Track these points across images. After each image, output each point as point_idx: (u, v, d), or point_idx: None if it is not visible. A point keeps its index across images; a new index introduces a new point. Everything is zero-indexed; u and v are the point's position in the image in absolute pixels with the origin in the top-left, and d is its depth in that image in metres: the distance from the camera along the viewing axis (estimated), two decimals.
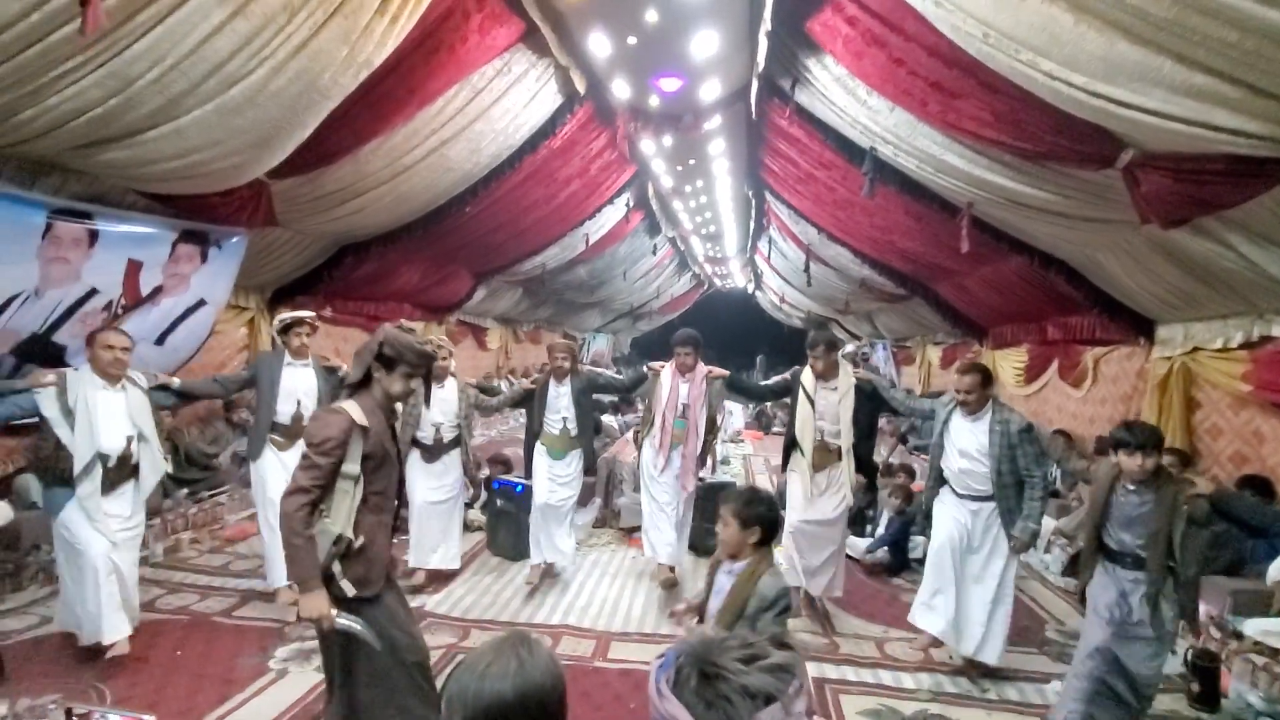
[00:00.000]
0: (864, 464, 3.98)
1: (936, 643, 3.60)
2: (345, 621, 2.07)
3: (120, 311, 4.55)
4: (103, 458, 3.20)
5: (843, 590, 4.11)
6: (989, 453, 3.30)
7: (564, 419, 4.47)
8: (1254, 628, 3.43)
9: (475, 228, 7.32)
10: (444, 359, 4.27)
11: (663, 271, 15.64)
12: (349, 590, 2.14)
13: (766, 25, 4.25)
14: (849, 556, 5.18)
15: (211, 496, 5.52)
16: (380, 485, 2.26)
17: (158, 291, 4.71)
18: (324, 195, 5.14)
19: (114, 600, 3.14)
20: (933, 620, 3.47)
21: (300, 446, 3.81)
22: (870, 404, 3.95)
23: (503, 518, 5.06)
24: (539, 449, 4.54)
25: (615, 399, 10.35)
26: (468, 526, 5.60)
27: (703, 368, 4.32)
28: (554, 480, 4.47)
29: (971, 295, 7.67)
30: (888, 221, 6.45)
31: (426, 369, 2.46)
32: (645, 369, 4.60)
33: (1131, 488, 2.74)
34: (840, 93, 4.42)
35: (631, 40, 4.90)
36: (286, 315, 4.06)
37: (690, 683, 0.86)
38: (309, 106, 3.72)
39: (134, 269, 4.44)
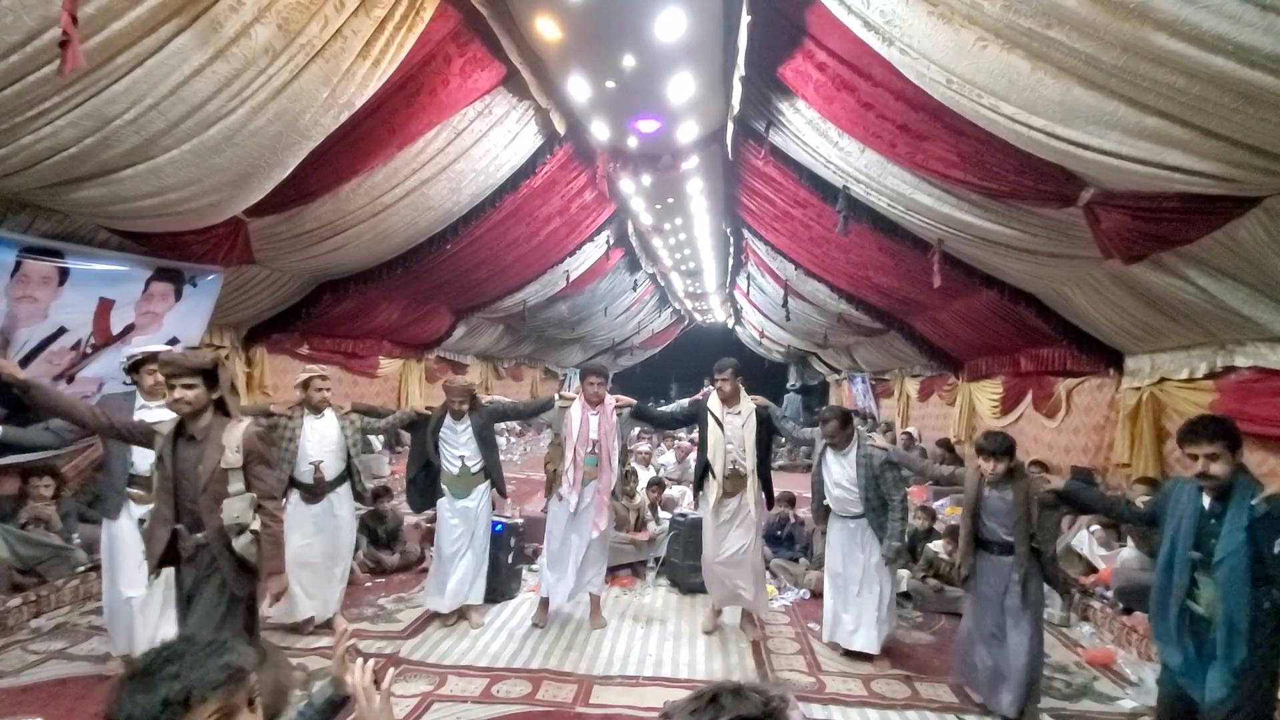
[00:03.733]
0: (766, 485, 4.24)
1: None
2: None
3: (90, 350, 4.45)
4: None
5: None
6: (857, 482, 3.84)
7: (462, 457, 4.22)
8: None
9: (455, 265, 7.34)
10: (320, 389, 4.01)
11: (643, 307, 15.76)
12: None
13: (740, 70, 4.40)
14: None
15: None
16: None
17: (129, 330, 4.63)
18: (303, 233, 5.13)
19: None
20: (843, 634, 3.96)
21: None
22: (765, 429, 4.20)
23: None
24: (442, 488, 4.29)
25: None
26: None
27: (611, 399, 4.30)
28: (456, 525, 4.24)
29: (946, 329, 7.83)
30: (862, 258, 6.59)
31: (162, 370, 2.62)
32: (555, 396, 4.46)
33: (993, 486, 3.36)
34: (813, 134, 4.56)
35: (610, 84, 5.04)
36: (135, 351, 3.53)
37: None
38: (288, 146, 3.74)
39: (105, 307, 4.37)
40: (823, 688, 3.67)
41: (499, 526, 4.82)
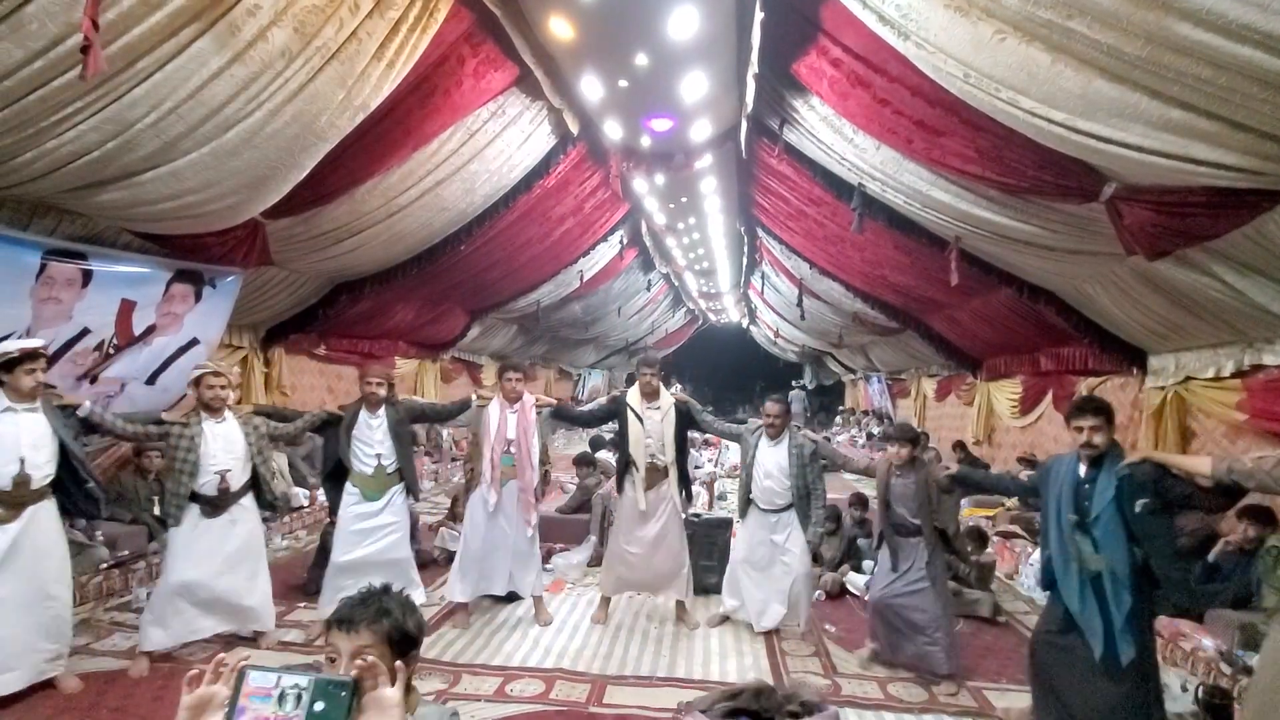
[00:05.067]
0: (684, 476, 4.41)
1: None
2: None
3: (112, 351, 4.53)
4: None
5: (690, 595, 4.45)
6: (788, 471, 4.04)
7: (378, 455, 4.05)
8: None
9: (470, 266, 7.38)
10: (212, 386, 3.59)
11: (657, 308, 15.75)
12: None
13: (754, 68, 4.37)
14: (850, 594, 5.10)
15: None
16: None
17: (150, 331, 4.71)
18: (319, 234, 5.19)
19: None
20: (732, 604, 4.31)
21: (25, 518, 3.11)
22: (684, 423, 4.34)
23: None
24: (349, 489, 4.09)
25: (613, 436, 10.28)
26: None
27: (530, 397, 4.29)
28: (363, 529, 4.05)
29: (963, 327, 7.73)
30: (878, 256, 6.53)
31: None
32: (473, 396, 4.41)
33: (898, 473, 3.66)
34: (827, 131, 4.52)
35: (623, 83, 5.03)
36: (10, 348, 3.12)
37: None
38: (305, 148, 3.78)
39: (127, 309, 4.44)
40: (838, 690, 3.63)
41: None
